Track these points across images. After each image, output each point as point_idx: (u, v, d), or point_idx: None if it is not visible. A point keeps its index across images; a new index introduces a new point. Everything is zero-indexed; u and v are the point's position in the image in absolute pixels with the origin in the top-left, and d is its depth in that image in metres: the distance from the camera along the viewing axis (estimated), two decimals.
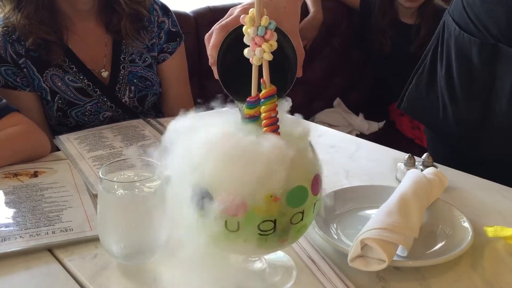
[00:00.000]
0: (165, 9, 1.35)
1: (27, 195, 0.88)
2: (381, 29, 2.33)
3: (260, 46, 0.57)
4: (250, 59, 0.58)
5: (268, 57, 0.57)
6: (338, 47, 2.48)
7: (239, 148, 0.57)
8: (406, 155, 0.95)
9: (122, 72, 1.28)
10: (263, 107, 0.58)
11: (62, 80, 1.24)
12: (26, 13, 1.16)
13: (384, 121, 2.43)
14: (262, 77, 0.58)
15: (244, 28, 0.58)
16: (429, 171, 0.88)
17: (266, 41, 0.57)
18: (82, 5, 1.23)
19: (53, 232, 0.77)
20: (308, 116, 2.37)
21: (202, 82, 2.04)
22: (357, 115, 2.44)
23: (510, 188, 0.92)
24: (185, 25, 1.86)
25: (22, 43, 1.20)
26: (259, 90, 0.59)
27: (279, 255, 0.72)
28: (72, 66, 1.24)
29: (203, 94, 2.03)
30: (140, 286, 0.67)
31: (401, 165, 0.95)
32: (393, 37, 2.32)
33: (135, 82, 1.30)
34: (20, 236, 0.76)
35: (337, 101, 2.48)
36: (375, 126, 2.41)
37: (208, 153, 0.58)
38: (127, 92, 1.29)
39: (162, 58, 1.35)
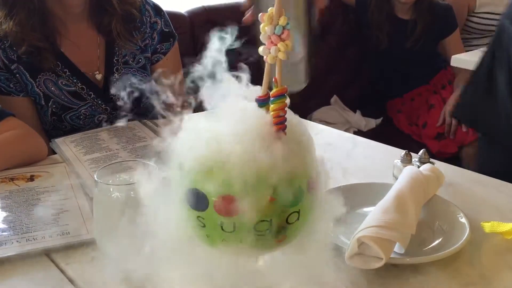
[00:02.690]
0: (157, 9, 1.34)
1: (24, 199, 0.87)
2: (378, 24, 2.33)
3: (275, 45, 0.58)
4: (264, 57, 0.59)
5: (282, 56, 0.58)
6: (334, 45, 2.48)
7: (233, 149, 0.57)
8: (402, 152, 0.95)
9: (116, 75, 1.28)
10: (272, 105, 0.58)
11: (55, 85, 1.23)
12: (18, 20, 1.16)
13: (382, 118, 2.43)
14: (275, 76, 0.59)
15: (261, 26, 0.58)
16: (426, 167, 0.88)
17: (282, 40, 0.57)
18: (74, 7, 1.23)
19: (50, 236, 0.77)
20: (305, 114, 2.37)
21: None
22: (354, 112, 2.44)
23: (507, 183, 0.92)
24: (180, 26, 1.86)
25: (14, 48, 1.20)
26: (270, 88, 0.59)
27: (276, 254, 0.71)
28: (65, 70, 1.24)
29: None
30: None
31: (397, 162, 0.95)
32: (389, 32, 2.32)
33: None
34: (17, 241, 0.76)
35: (334, 98, 2.48)
36: (372, 123, 2.41)
37: (203, 154, 0.58)
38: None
39: (155, 59, 1.35)
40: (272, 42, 0.58)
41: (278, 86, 0.58)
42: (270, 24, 0.57)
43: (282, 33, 0.57)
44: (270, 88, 0.59)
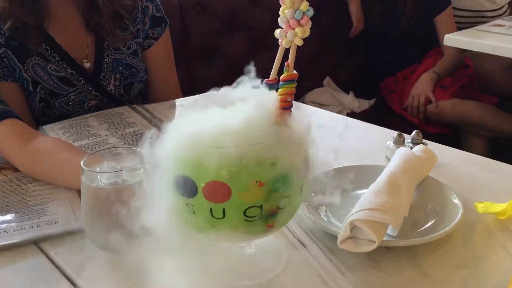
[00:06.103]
0: None
1: (11, 189, 0.86)
2: (369, 5, 2.31)
3: (293, 29, 0.57)
4: (280, 40, 0.58)
5: (298, 42, 0.58)
6: (326, 26, 2.45)
7: (222, 135, 0.56)
8: (395, 133, 0.94)
9: (106, 60, 1.26)
10: (280, 89, 0.58)
11: (44, 70, 1.21)
12: None
13: (375, 99, 2.42)
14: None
15: (281, 8, 0.58)
16: (419, 148, 0.87)
17: (301, 26, 0.57)
18: None
19: (38, 226, 0.75)
20: (298, 96, 2.35)
21: (189, 67, 2.02)
22: (347, 93, 2.42)
23: (501, 162, 0.92)
24: (170, 9, 1.83)
25: (2, 32, 1.17)
26: (279, 73, 0.59)
27: (268, 239, 0.71)
28: (54, 55, 1.21)
29: (190, 79, 2.01)
30: (128, 276, 0.66)
31: (390, 143, 0.94)
32: (381, 12, 2.30)
33: (120, 69, 1.27)
34: (5, 231, 0.74)
35: (327, 80, 2.47)
36: (365, 104, 2.40)
37: (192, 141, 0.56)
38: (112, 80, 1.27)
39: (147, 44, 1.32)
40: (290, 26, 0.57)
41: (290, 71, 0.58)
42: (290, 8, 0.57)
43: (302, 18, 0.57)
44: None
